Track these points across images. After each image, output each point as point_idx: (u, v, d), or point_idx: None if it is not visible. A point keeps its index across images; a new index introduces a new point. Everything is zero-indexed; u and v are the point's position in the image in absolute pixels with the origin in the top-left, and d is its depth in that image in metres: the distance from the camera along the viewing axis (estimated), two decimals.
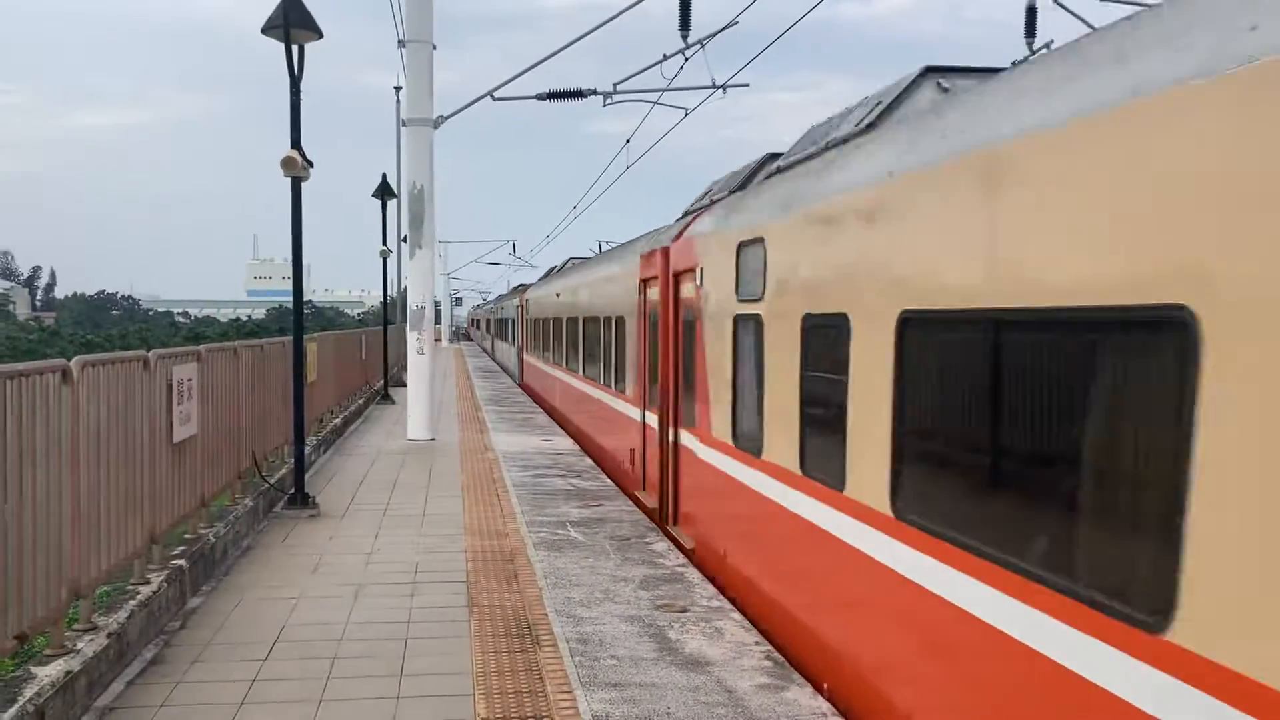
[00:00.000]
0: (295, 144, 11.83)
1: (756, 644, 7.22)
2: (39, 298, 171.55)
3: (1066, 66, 4.53)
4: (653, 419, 12.35)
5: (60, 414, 6.14)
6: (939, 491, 5.31)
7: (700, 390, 10.03)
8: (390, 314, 32.72)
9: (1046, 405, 4.38)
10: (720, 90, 21.54)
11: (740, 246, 8.79)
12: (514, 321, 41.85)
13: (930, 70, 7.54)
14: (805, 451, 7.18)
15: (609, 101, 21.06)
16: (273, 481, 12.27)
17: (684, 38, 19.73)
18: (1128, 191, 3.82)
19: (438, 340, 49.74)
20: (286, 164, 11.73)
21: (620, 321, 15.08)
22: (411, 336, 19.36)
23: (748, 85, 21.82)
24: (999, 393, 4.71)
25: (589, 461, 16.29)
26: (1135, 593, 3.53)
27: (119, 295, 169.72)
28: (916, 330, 5.45)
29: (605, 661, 6.85)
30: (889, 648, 5.79)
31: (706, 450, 9.84)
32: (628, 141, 26.02)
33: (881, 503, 5.72)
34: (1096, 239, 4.01)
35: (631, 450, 13.85)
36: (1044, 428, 4.40)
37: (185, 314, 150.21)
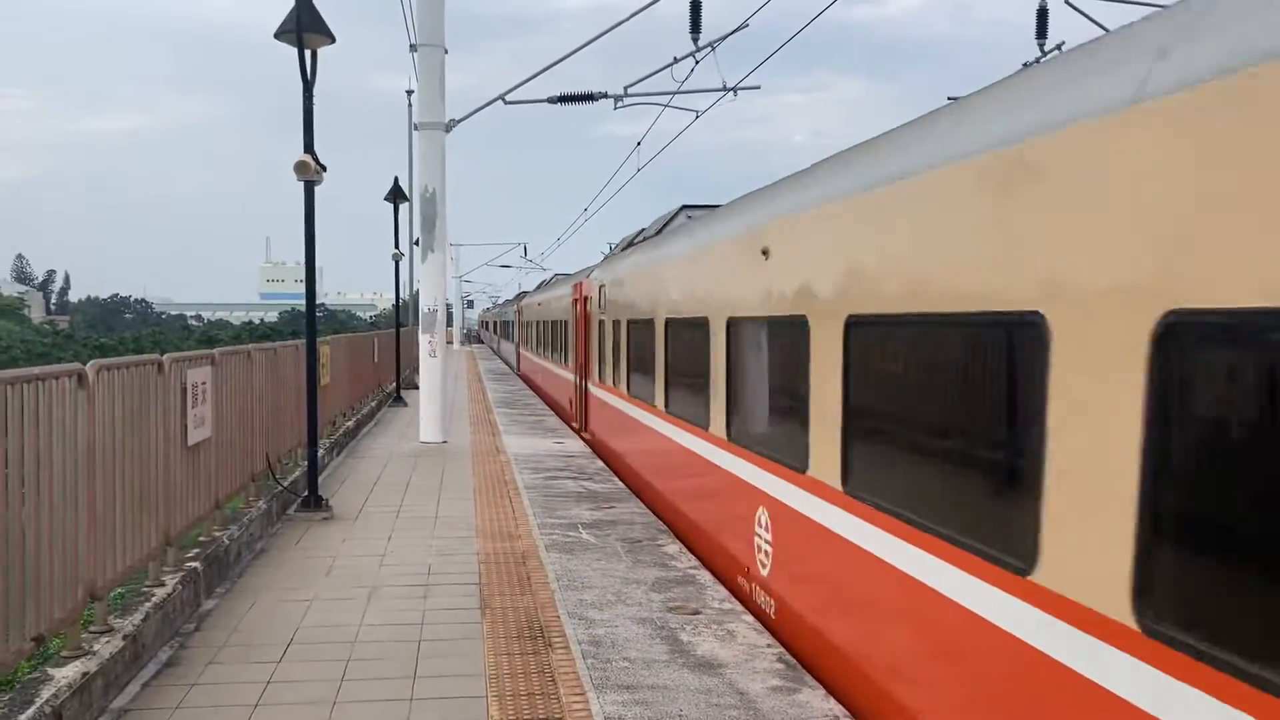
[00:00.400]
0: (308, 148, 11.88)
1: (769, 646, 7.23)
2: (53, 301, 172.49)
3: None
4: (578, 378, 21.82)
5: (76, 417, 6.19)
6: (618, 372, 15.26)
7: (592, 358, 19.40)
8: (402, 317, 32.80)
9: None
10: (731, 92, 21.54)
11: (600, 287, 18.07)
12: (513, 323, 53.29)
13: (685, 207, 14.97)
14: (614, 377, 16.09)
15: (620, 104, 21.09)
16: (286, 484, 12.32)
17: (695, 40, 19.73)
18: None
19: (449, 343, 51.01)
20: (299, 168, 11.78)
21: (565, 324, 24.72)
22: (423, 339, 19.41)
23: (759, 87, 21.82)
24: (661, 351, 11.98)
25: (599, 464, 16.35)
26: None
27: (132, 299, 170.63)
28: (632, 327, 13.61)
29: (617, 664, 6.86)
30: (643, 457, 13.57)
31: (594, 387, 19.30)
32: (638, 144, 26.05)
33: (622, 390, 14.54)
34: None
35: (570, 399, 23.54)
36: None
37: (198, 317, 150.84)
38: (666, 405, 11.92)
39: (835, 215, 6.65)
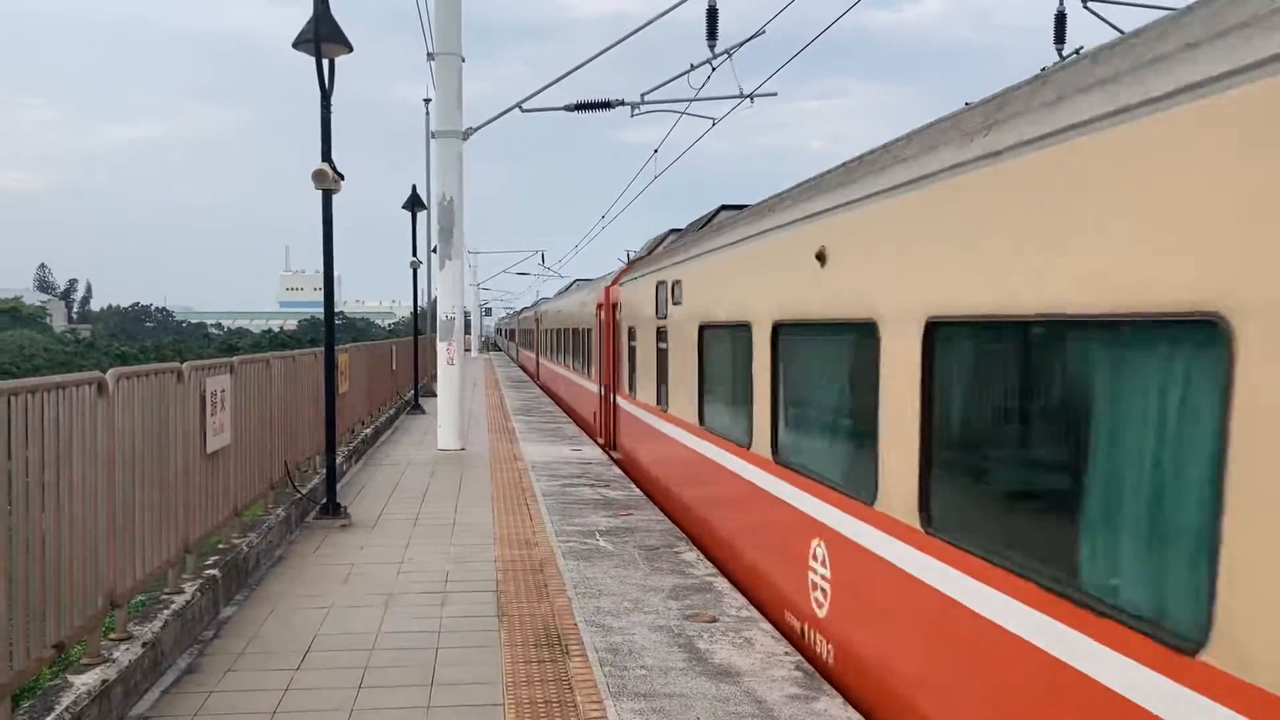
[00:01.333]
0: (326, 157, 11.93)
1: (786, 654, 7.20)
2: (75, 310, 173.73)
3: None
4: (536, 356, 46.73)
5: (96, 425, 6.22)
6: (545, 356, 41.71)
7: (537, 345, 45.83)
8: (420, 324, 32.90)
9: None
10: (748, 99, 21.51)
11: (542, 312, 43.89)
12: (515, 331, 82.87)
13: (577, 280, 39.37)
14: (546, 354, 40.15)
15: (637, 112, 21.11)
16: (305, 492, 12.35)
17: (711, 48, 19.72)
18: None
19: (467, 350, 55.54)
20: (317, 177, 11.84)
21: (531, 330, 52.85)
22: (441, 347, 19.45)
23: (775, 94, 21.78)
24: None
25: (617, 471, 16.33)
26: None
27: (153, 307, 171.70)
28: (548, 333, 38.46)
29: (635, 671, 6.85)
30: (549, 379, 37.51)
31: (541, 359, 43.20)
32: (655, 151, 26.08)
33: (548, 357, 38.32)
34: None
35: (534, 367, 48.19)
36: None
37: (218, 325, 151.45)
38: (553, 360, 35.02)
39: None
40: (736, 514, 9.51)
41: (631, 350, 15.99)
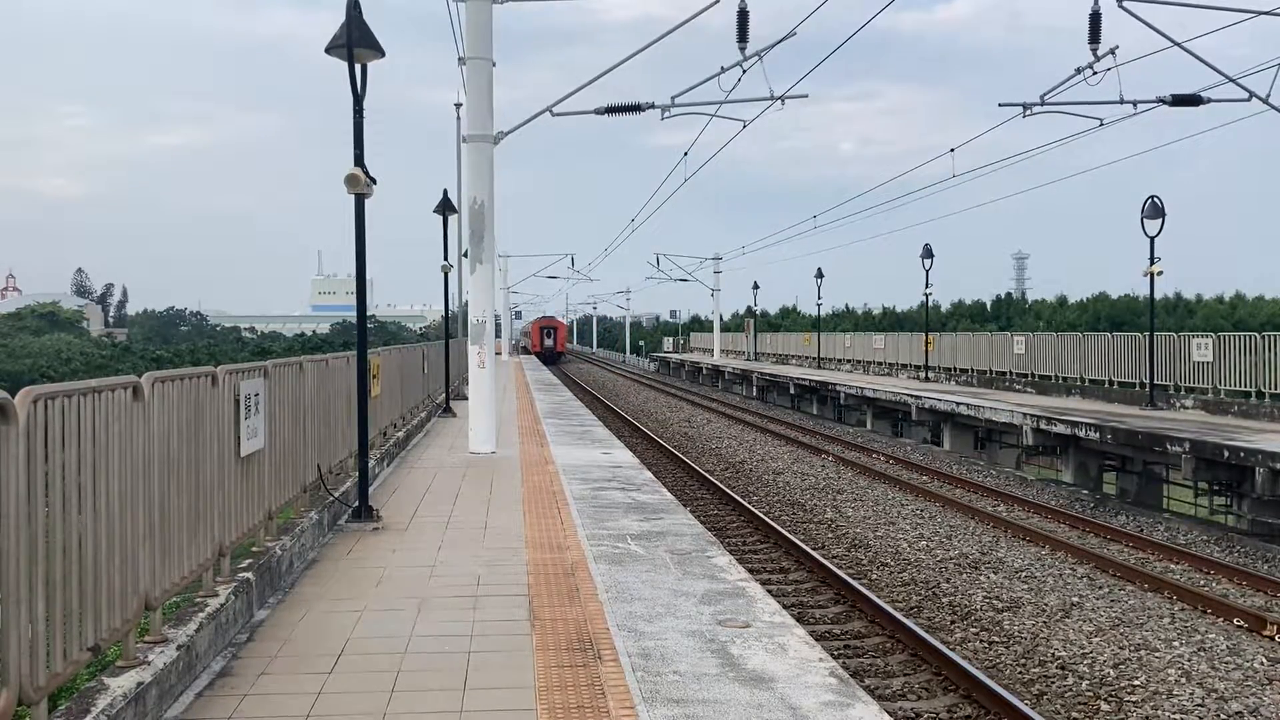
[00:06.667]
0: (358, 161, 11.99)
1: (820, 660, 7.15)
2: (111, 314, 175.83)
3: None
4: (530, 342, 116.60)
5: (132, 429, 6.26)
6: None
7: (532, 337, 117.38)
8: (452, 328, 33.05)
9: None
10: (779, 102, 21.44)
11: (529, 324, 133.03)
12: (522, 331, 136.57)
13: (543, 315, 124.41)
14: (529, 340, 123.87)
15: (667, 115, 21.10)
16: (337, 495, 12.40)
17: (742, 50, 19.69)
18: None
19: (498, 354, 56.17)
20: (350, 181, 11.89)
21: (529, 330, 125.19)
22: (472, 351, 19.48)
23: (806, 96, 21.70)
24: None
25: (647, 474, 16.32)
26: None
27: (187, 311, 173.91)
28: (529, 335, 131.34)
29: (667, 677, 6.81)
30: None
31: (527, 339, 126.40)
32: (685, 154, 26.20)
33: (525, 339, 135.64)
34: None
35: (531, 346, 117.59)
36: None
37: (252, 329, 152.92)
38: (527, 338, 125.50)
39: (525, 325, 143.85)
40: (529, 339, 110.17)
41: (526, 334, 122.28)
